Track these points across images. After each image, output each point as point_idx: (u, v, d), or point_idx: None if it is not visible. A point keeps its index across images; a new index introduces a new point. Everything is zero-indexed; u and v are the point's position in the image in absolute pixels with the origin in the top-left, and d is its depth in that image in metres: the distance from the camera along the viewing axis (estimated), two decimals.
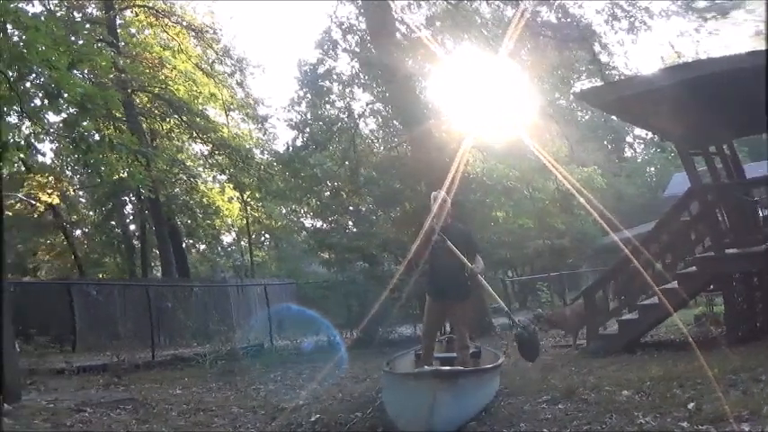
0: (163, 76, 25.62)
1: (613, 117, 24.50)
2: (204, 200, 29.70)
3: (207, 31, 27.53)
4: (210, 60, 28.34)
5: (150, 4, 26.07)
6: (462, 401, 5.73)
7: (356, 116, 21.93)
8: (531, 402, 6.58)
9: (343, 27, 21.42)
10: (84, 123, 9.63)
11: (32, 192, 19.40)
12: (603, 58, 22.03)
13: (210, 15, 27.83)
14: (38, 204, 20.23)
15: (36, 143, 15.30)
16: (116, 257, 32.25)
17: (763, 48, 8.78)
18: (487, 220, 23.17)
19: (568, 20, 21.47)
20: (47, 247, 29.19)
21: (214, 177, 30.65)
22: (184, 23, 26.78)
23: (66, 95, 8.13)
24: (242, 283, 25.56)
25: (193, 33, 27.31)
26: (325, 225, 23.93)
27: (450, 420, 5.53)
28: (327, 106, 22.35)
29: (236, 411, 7.71)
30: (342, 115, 22.08)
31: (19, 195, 19.84)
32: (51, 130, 13.17)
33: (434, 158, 16.28)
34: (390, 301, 13.56)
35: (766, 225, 10.48)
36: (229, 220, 32.56)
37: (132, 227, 32.67)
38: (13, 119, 8.84)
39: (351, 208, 22.82)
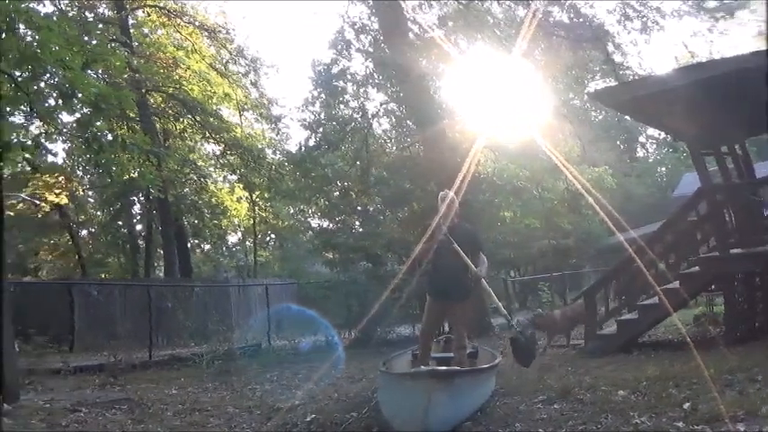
0: (177, 76, 25.67)
1: (627, 117, 24.51)
2: (213, 200, 29.79)
3: (220, 31, 27.62)
4: (224, 60, 28.34)
5: (161, 5, 26.14)
6: (458, 401, 5.71)
7: (370, 116, 22.09)
8: (526, 402, 6.56)
9: (356, 27, 21.49)
10: (98, 123, 9.60)
11: (38, 192, 19.39)
12: (617, 58, 22.16)
13: (222, 15, 27.90)
14: (42, 204, 20.22)
15: (48, 143, 15.31)
16: (120, 257, 32.26)
17: (764, 47, 8.78)
18: (494, 220, 23.18)
19: (580, 20, 21.51)
20: (50, 247, 29.11)
21: (225, 177, 30.84)
22: (197, 23, 26.85)
23: (80, 95, 8.08)
24: (243, 283, 25.48)
25: (206, 33, 27.41)
26: (331, 225, 23.98)
27: (446, 420, 5.51)
28: (341, 106, 22.46)
29: (231, 411, 7.70)
30: (355, 115, 22.26)
31: (22, 195, 19.81)
32: (65, 130, 13.14)
33: (447, 158, 16.30)
34: (391, 301, 13.60)
35: None
36: (236, 221, 32.64)
37: (139, 227, 32.70)
38: (19, 119, 8.80)
39: (359, 208, 22.86)
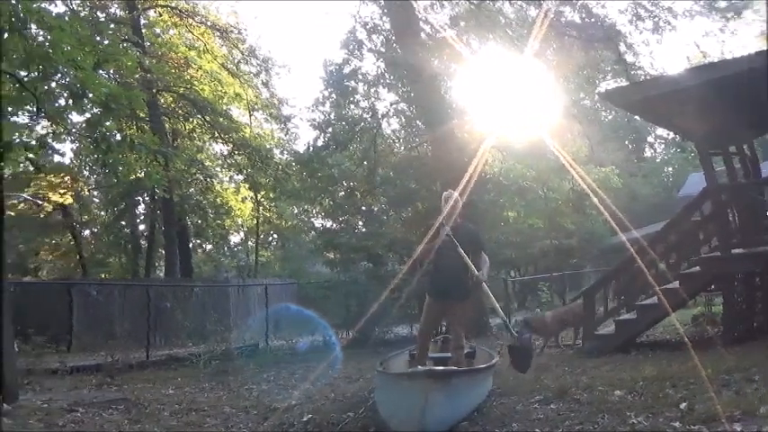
0: (188, 76, 25.75)
1: (636, 117, 24.49)
2: (218, 200, 29.96)
3: (231, 31, 27.68)
4: (236, 60, 28.48)
5: (173, 5, 26.16)
6: (455, 401, 5.69)
7: (380, 116, 22.15)
8: (523, 402, 6.55)
9: (368, 27, 21.53)
10: (107, 123, 9.58)
11: (41, 192, 19.35)
12: (629, 58, 22.11)
13: (234, 15, 27.98)
14: (45, 204, 20.18)
15: (56, 143, 15.26)
16: (121, 257, 32.26)
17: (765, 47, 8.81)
18: (498, 220, 23.21)
19: (592, 20, 21.50)
20: (51, 247, 29.09)
21: (231, 177, 30.94)
22: (208, 23, 26.90)
23: (90, 96, 8.05)
24: (243, 283, 25.47)
25: (218, 33, 27.48)
26: (335, 225, 23.99)
27: (443, 420, 5.49)
28: (351, 106, 22.50)
29: (228, 411, 7.69)
30: (365, 115, 22.32)
31: (23, 195, 19.76)
32: (74, 130, 13.11)
33: (455, 159, 16.31)
34: (390, 301, 13.58)
35: None
36: (240, 221, 32.74)
37: (141, 227, 32.76)
38: (22, 119, 8.74)
39: (363, 208, 22.87)
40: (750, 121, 10.16)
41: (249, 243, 37.35)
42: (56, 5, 16.38)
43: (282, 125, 30.38)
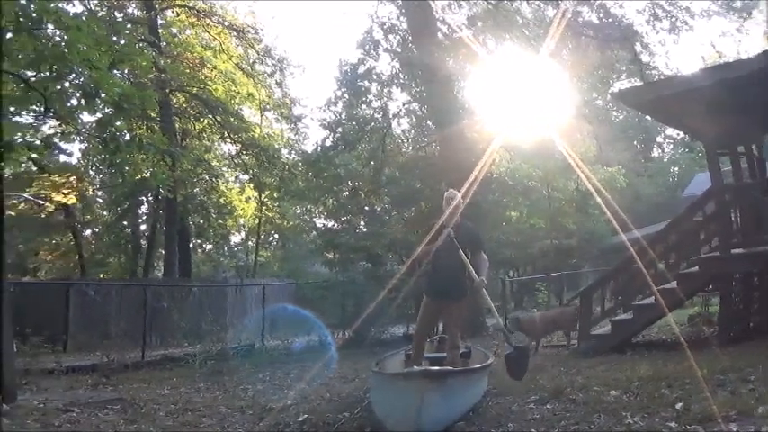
0: (202, 76, 25.75)
1: (647, 117, 24.52)
2: (222, 200, 29.98)
3: (248, 31, 27.73)
4: (251, 60, 28.51)
5: (191, 4, 26.22)
6: (451, 401, 5.69)
7: (390, 116, 22.20)
8: (519, 402, 6.56)
9: (385, 27, 21.56)
10: (118, 123, 9.55)
11: (43, 192, 19.30)
12: (644, 57, 22.22)
13: (252, 15, 28.08)
14: (47, 204, 20.13)
15: (64, 143, 15.21)
16: (120, 258, 32.17)
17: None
18: (500, 220, 23.22)
19: (609, 20, 21.55)
20: (51, 247, 29.03)
21: (236, 177, 31.09)
22: (225, 23, 26.94)
23: (103, 95, 8.03)
24: (241, 283, 25.45)
25: (235, 33, 27.50)
26: (336, 225, 23.93)
27: (439, 420, 5.49)
28: (363, 106, 22.45)
29: (223, 411, 7.68)
30: (376, 115, 22.32)
31: (25, 195, 19.70)
32: (83, 130, 13.08)
33: (462, 159, 16.28)
34: (387, 301, 13.56)
35: None
36: (242, 221, 32.74)
37: (143, 227, 32.72)
38: (27, 119, 8.70)
39: (366, 208, 22.83)
40: (759, 120, 10.15)
41: (249, 243, 37.35)
42: (73, 5, 16.31)
43: (293, 125, 30.48)
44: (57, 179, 18.21)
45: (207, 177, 28.28)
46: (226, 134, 27.26)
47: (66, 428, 6.70)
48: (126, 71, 16.94)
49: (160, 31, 24.93)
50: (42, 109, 8.11)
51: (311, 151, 23.71)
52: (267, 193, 29.47)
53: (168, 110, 23.92)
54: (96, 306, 18.02)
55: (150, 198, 29.63)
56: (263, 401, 8.19)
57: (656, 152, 50.73)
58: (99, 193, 30.75)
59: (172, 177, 18.75)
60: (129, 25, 20.23)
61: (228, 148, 30.00)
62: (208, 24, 26.43)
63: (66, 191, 18.10)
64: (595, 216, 26.27)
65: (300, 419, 6.74)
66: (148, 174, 14.79)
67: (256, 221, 32.07)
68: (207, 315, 16.02)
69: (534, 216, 24.38)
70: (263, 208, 30.99)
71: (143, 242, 32.01)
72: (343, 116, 22.51)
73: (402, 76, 21.08)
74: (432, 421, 5.34)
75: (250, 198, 30.81)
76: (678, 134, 40.06)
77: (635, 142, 46.74)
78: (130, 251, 31.58)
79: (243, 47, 28.17)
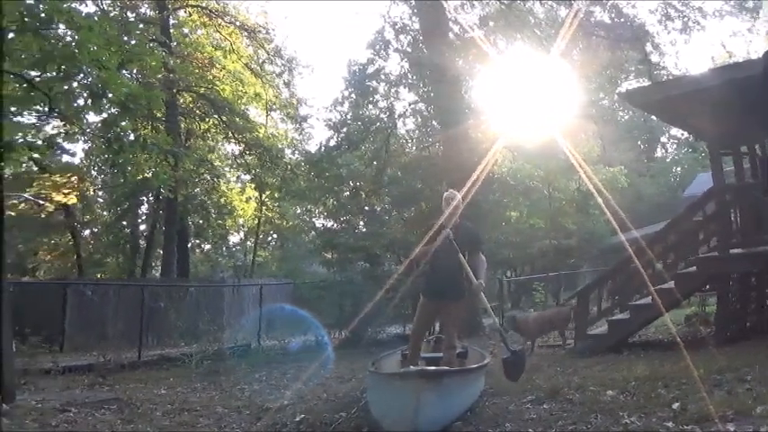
0: (211, 76, 25.72)
1: (653, 117, 24.54)
2: (222, 200, 29.98)
3: (259, 31, 27.78)
4: (261, 60, 28.54)
5: (203, 4, 26.21)
6: (447, 401, 5.68)
7: (396, 116, 22.21)
8: (515, 402, 6.56)
9: (397, 27, 21.56)
10: (123, 123, 9.52)
11: (44, 192, 19.27)
12: (654, 58, 22.24)
13: (264, 15, 28.13)
14: (47, 204, 20.11)
15: (68, 143, 15.16)
16: (118, 258, 32.09)
17: None
18: (500, 220, 23.22)
19: (621, 20, 21.55)
20: (50, 247, 29.01)
21: (238, 177, 31.13)
22: (237, 23, 26.96)
23: (110, 95, 8.00)
24: (238, 283, 25.44)
25: (246, 33, 27.50)
26: (336, 225, 23.94)
27: (436, 420, 5.48)
28: (370, 106, 22.44)
29: (220, 411, 7.67)
30: (382, 115, 22.28)
31: (25, 195, 19.67)
32: (88, 130, 13.05)
33: (465, 159, 16.35)
34: (384, 301, 13.56)
35: None
36: (241, 221, 32.72)
37: (142, 227, 32.72)
38: (29, 119, 8.66)
39: (366, 208, 22.83)
40: (763, 121, 10.16)
41: (248, 243, 37.34)
42: (86, 5, 16.26)
43: (298, 125, 30.52)
44: (57, 179, 18.22)
45: (209, 177, 28.26)
46: (230, 134, 27.26)
47: (63, 428, 6.70)
48: (134, 71, 16.94)
49: (171, 30, 24.97)
50: (46, 109, 8.08)
51: (314, 151, 23.74)
52: (268, 192, 29.46)
53: (174, 110, 23.90)
54: (93, 306, 18.00)
55: (151, 198, 29.61)
56: (259, 401, 8.17)
57: (659, 152, 50.75)
58: (100, 193, 30.74)
59: (173, 177, 18.70)
60: (141, 25, 20.31)
61: (232, 147, 30.08)
62: (219, 24, 26.47)
63: (66, 191, 18.10)
64: (595, 216, 26.27)
65: (297, 419, 6.73)
66: (150, 174, 14.72)
67: (256, 221, 32.06)
68: (204, 315, 16.02)
69: (534, 216, 24.39)
70: (263, 208, 30.97)
71: (141, 242, 31.97)
72: (348, 116, 22.50)
73: (410, 76, 21.16)
74: (429, 421, 5.32)
75: (250, 198, 30.81)
76: (682, 134, 40.04)
77: (639, 142, 46.78)
78: (128, 251, 31.52)
79: (253, 47, 28.22)
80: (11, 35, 7.41)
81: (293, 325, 15.85)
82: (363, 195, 21.91)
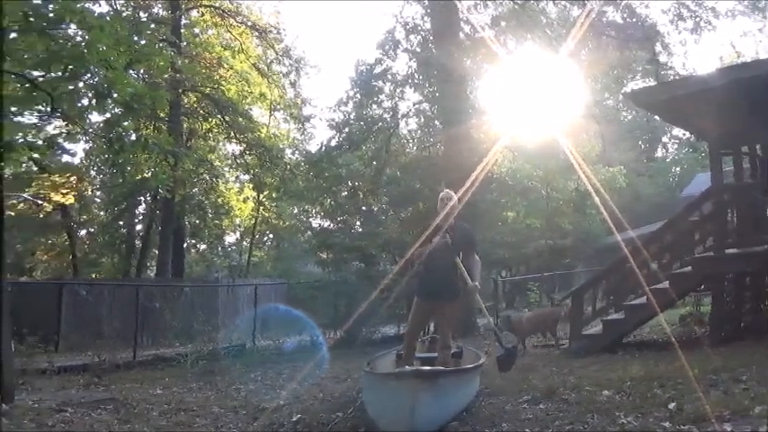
0: (217, 76, 25.67)
1: (656, 117, 24.55)
2: (219, 200, 29.94)
3: (270, 32, 27.74)
4: (269, 60, 28.51)
5: (216, 4, 26.19)
6: (443, 401, 5.68)
7: (399, 116, 22.20)
8: (512, 402, 6.57)
9: (408, 27, 21.56)
10: (125, 123, 9.48)
11: (43, 192, 19.22)
12: (663, 58, 22.25)
13: (276, 15, 28.11)
14: (45, 204, 20.06)
15: (69, 143, 15.09)
16: (113, 258, 31.97)
17: None
18: (497, 220, 23.22)
19: (634, 20, 21.58)
20: (46, 247, 28.95)
21: (237, 177, 31.04)
22: (249, 23, 26.93)
23: (115, 95, 7.96)
24: (233, 283, 25.40)
25: (257, 33, 27.47)
26: (332, 225, 23.90)
27: (432, 420, 5.48)
28: (374, 106, 22.39)
29: (217, 411, 7.68)
30: (385, 115, 22.26)
31: (24, 195, 19.61)
32: (90, 130, 13.01)
33: (465, 159, 16.35)
34: (379, 301, 13.54)
35: None
36: (238, 221, 32.65)
37: (138, 227, 32.60)
38: (30, 119, 8.61)
39: (363, 208, 22.80)
40: (765, 121, 10.18)
41: (244, 243, 37.30)
42: (99, 5, 16.21)
43: (300, 125, 30.44)
44: (56, 179, 18.17)
45: (207, 177, 28.19)
46: (232, 134, 27.23)
47: (60, 429, 6.70)
48: (141, 71, 16.91)
49: (182, 30, 24.95)
50: (48, 109, 8.04)
51: (315, 151, 23.66)
52: (266, 193, 29.41)
53: (178, 110, 23.83)
54: (88, 306, 17.95)
55: (148, 198, 29.49)
56: (255, 401, 8.19)
57: (660, 152, 50.69)
58: (98, 193, 30.63)
59: (172, 177, 18.69)
60: (152, 25, 20.21)
61: (232, 147, 30.05)
62: (231, 24, 26.45)
63: (65, 191, 18.07)
64: (592, 216, 26.30)
65: (294, 419, 6.74)
66: (149, 174, 14.67)
67: (252, 221, 32.01)
68: (199, 315, 15.96)
69: (531, 216, 24.44)
70: (261, 208, 30.93)
71: (137, 242, 31.82)
72: (351, 116, 22.43)
73: (417, 76, 21.17)
74: (425, 421, 5.32)
75: (248, 198, 30.76)
76: (684, 134, 39.95)
77: (640, 142, 46.77)
78: (124, 251, 31.41)
79: (263, 47, 28.22)
80: (13, 35, 7.37)
81: (288, 325, 15.83)
82: (361, 195, 21.87)
